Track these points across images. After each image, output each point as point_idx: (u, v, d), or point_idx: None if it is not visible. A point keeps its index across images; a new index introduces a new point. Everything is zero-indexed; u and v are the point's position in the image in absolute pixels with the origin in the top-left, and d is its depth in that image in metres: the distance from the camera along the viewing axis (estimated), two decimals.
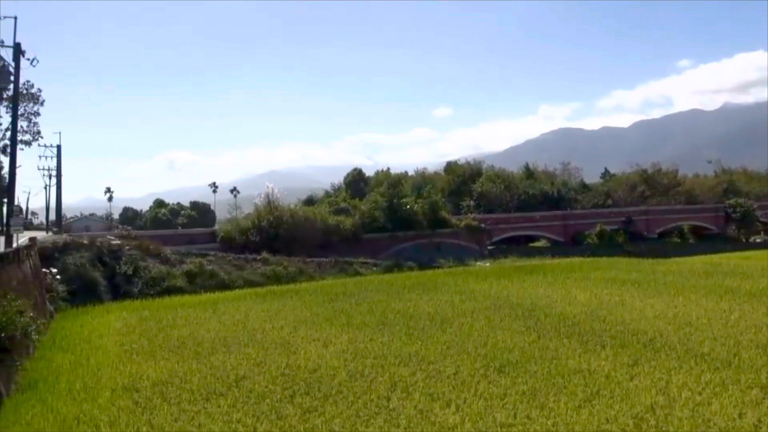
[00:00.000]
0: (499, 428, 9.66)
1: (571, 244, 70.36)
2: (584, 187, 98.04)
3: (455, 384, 12.19)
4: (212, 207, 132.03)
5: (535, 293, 25.48)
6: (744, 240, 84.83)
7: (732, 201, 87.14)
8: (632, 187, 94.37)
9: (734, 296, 22.88)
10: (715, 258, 51.57)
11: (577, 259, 46.61)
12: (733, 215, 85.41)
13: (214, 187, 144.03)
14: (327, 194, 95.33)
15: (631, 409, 10.25)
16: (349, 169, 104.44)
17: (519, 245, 68.87)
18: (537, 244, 75.58)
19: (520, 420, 9.97)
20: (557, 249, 64.37)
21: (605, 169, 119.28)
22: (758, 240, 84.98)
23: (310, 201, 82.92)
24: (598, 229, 73.90)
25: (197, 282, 34.72)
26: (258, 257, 40.87)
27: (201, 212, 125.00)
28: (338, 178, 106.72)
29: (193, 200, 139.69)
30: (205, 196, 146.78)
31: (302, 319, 21.12)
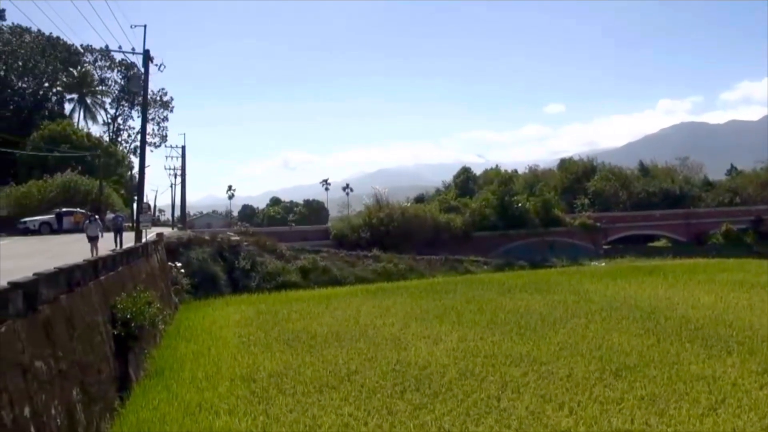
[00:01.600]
0: None
1: (695, 244, 66.86)
2: (708, 184, 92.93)
3: (568, 386, 11.89)
4: (325, 205, 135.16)
5: (654, 295, 24.45)
6: None
7: None
8: (763, 184, 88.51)
9: None
10: None
11: (701, 260, 44.36)
12: None
13: (326, 184, 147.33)
14: (437, 192, 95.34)
15: (760, 420, 9.64)
16: (459, 167, 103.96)
17: (637, 245, 66.15)
18: (656, 244, 72.38)
19: (637, 426, 9.61)
20: (679, 249, 61.31)
21: (731, 165, 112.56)
22: None
23: (420, 199, 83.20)
24: (724, 228, 69.86)
25: (311, 277, 35.66)
26: (369, 254, 41.47)
27: (314, 210, 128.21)
28: (448, 176, 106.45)
29: (306, 198, 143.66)
30: (319, 194, 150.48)
31: (412, 315, 21.26)
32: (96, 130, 68.35)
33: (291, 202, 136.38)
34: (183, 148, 56.98)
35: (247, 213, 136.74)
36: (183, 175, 57.60)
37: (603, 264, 45.75)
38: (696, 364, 13.18)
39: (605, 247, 61.91)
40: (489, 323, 19.13)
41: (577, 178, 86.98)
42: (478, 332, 17.62)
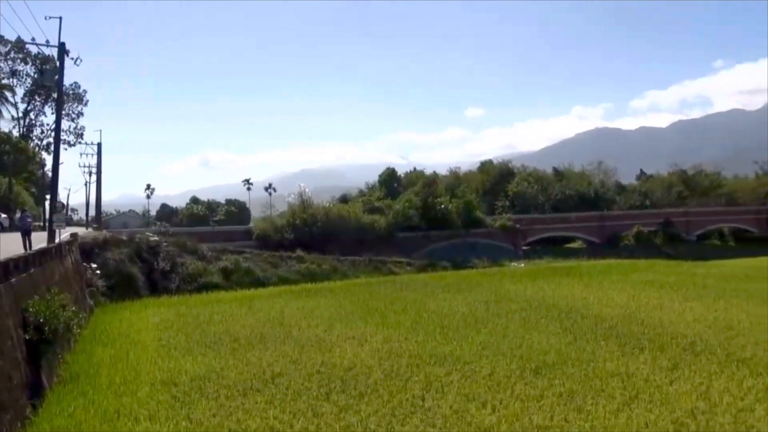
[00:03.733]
0: (536, 430, 9.61)
1: (608, 245, 69.44)
2: (620, 187, 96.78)
3: (491, 385, 12.14)
4: (247, 205, 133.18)
5: (571, 295, 25.24)
6: None
7: None
8: (669, 188, 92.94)
9: None
10: (757, 261, 50.44)
11: (614, 261, 46.08)
12: None
13: (248, 184, 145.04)
14: (361, 193, 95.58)
15: (671, 413, 10.10)
16: (382, 168, 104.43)
17: (554, 246, 68.29)
18: (572, 245, 74.90)
19: (557, 422, 9.90)
20: (593, 250, 63.54)
21: (641, 170, 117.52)
22: None
23: (344, 200, 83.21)
24: (635, 230, 72.98)
25: (233, 279, 35.13)
26: (293, 255, 41.19)
27: (236, 210, 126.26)
28: (372, 177, 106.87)
29: (228, 198, 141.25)
30: (240, 194, 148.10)
31: (337, 317, 21.23)
32: (3, 125, 65.39)
33: (212, 201, 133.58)
34: (99, 145, 55.11)
35: (166, 213, 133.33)
36: (99, 173, 55.72)
37: (522, 265, 46.91)
38: (611, 361, 13.70)
39: (524, 248, 63.56)
40: (413, 324, 19.30)
41: (497, 180, 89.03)
42: (402, 333, 17.76)
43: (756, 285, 27.53)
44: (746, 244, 78.77)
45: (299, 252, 42.13)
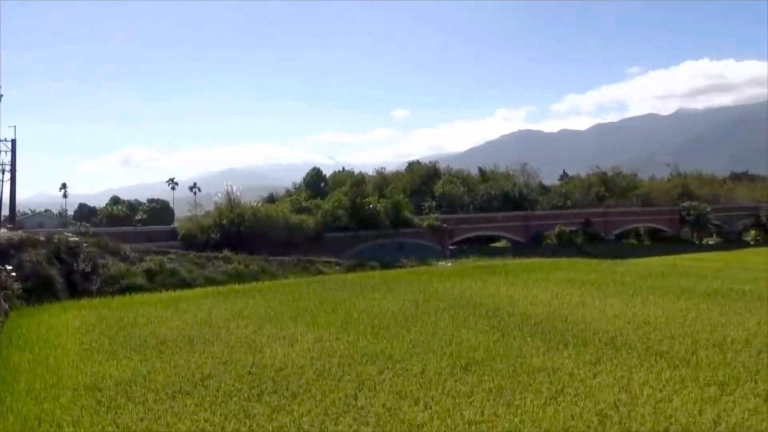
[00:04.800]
0: (467, 425, 9.76)
1: (531, 244, 71.27)
2: (543, 188, 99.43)
3: (422, 382, 12.28)
4: (171, 204, 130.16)
5: (497, 293, 25.76)
6: (697, 242, 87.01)
7: (686, 204, 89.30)
8: (589, 188, 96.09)
9: (690, 296, 23.49)
10: (671, 259, 52.87)
11: (537, 260, 47.25)
12: (687, 218, 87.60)
13: (172, 183, 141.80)
14: (288, 193, 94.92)
15: (595, 406, 10.46)
16: (309, 168, 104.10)
17: (480, 245, 69.59)
18: (498, 244, 76.45)
19: (487, 417, 10.11)
20: (518, 249, 65.11)
21: (563, 170, 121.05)
22: (711, 242, 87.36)
23: (271, 199, 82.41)
24: (557, 230, 75.13)
25: (157, 280, 34.26)
26: (220, 255, 40.51)
27: (159, 210, 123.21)
28: (299, 177, 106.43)
29: (150, 197, 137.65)
30: (164, 194, 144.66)
31: (266, 317, 21.01)
32: None
33: (134, 200, 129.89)
34: (13, 141, 52.91)
35: (85, 212, 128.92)
36: (13, 171, 53.47)
37: (449, 264, 47.54)
38: (537, 357, 14.06)
39: (451, 247, 64.54)
40: (343, 323, 19.30)
41: (424, 180, 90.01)
42: (333, 332, 17.73)
43: (670, 281, 28.82)
44: (661, 242, 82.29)
45: (226, 252, 41.43)
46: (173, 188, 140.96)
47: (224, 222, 49.48)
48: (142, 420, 10.56)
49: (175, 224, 62.73)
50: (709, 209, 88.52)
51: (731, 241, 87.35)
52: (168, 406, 11.30)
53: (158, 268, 35.38)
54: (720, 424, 9.51)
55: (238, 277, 37.17)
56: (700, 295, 23.93)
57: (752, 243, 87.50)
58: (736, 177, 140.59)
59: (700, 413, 10.01)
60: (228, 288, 31.78)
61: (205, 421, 10.39)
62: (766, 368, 12.67)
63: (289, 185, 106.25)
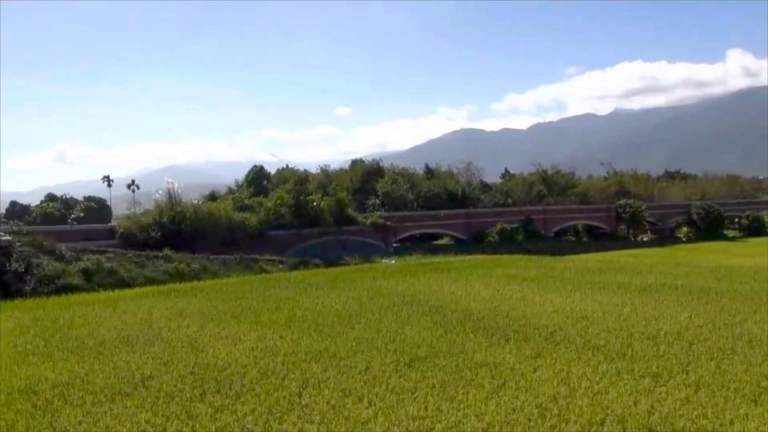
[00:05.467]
0: (411, 421, 9.87)
1: (474, 242, 72.16)
2: (485, 186, 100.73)
3: (367, 379, 12.34)
4: (108, 202, 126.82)
5: (440, 290, 26.00)
6: (633, 239, 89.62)
7: (622, 202, 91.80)
8: (530, 187, 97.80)
9: (626, 291, 24.19)
10: (607, 256, 54.42)
11: (479, 257, 47.94)
12: (623, 215, 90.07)
13: (108, 181, 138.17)
14: (230, 191, 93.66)
15: (535, 399, 10.71)
16: (251, 165, 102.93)
17: (423, 243, 70.07)
18: (441, 241, 77.10)
19: (431, 412, 10.24)
20: (460, 247, 65.88)
21: (505, 169, 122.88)
22: (645, 239, 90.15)
23: (212, 197, 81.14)
24: (498, 227, 76.18)
25: (95, 280, 33.42)
26: (160, 254, 39.74)
27: (96, 208, 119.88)
28: (241, 175, 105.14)
29: (87, 195, 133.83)
30: (100, 192, 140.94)
31: (209, 316, 20.73)
32: None
33: (69, 198, 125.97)
34: None
35: (17, 210, 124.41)
36: None
37: (393, 261, 47.78)
38: (479, 352, 14.29)
39: (395, 245, 64.82)
40: (287, 321, 19.21)
41: (367, 178, 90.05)
42: (277, 331, 17.64)
43: (607, 277, 29.62)
44: (598, 239, 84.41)
45: (167, 251, 40.68)
46: (109, 186, 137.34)
47: (164, 220, 48.44)
48: (80, 423, 10.31)
49: (113, 223, 61.24)
50: (643, 207, 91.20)
51: (664, 237, 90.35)
52: (107, 408, 11.06)
53: (96, 267, 34.51)
54: (653, 414, 9.86)
55: (179, 277, 36.55)
56: (635, 289, 24.68)
57: (684, 239, 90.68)
58: (670, 176, 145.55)
59: (634, 404, 10.36)
60: (169, 287, 31.21)
61: (147, 422, 10.22)
62: (697, 359, 13.18)
63: (231, 183, 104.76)
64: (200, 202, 58.95)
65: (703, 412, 9.89)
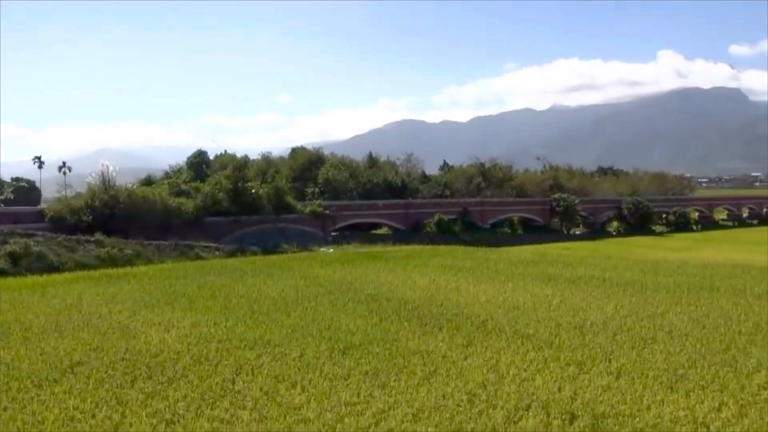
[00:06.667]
0: (343, 407, 10.01)
1: (412, 232, 72.57)
2: (425, 177, 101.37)
3: (300, 366, 12.43)
4: (37, 184, 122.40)
5: (377, 279, 26.25)
6: (566, 232, 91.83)
7: (556, 196, 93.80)
8: (469, 179, 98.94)
9: (556, 283, 24.94)
10: (541, 248, 55.70)
11: (417, 247, 48.38)
12: (557, 209, 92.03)
13: (39, 162, 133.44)
14: (167, 175, 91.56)
15: (465, 385, 11.01)
16: (191, 151, 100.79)
17: (362, 232, 70.08)
18: (379, 231, 77.23)
19: (363, 398, 10.41)
20: (398, 236, 66.13)
21: (444, 161, 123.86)
22: (577, 232, 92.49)
23: (148, 181, 79.09)
24: (436, 218, 76.70)
25: (22, 264, 32.34)
26: (91, 239, 38.65)
27: (25, 190, 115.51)
28: (180, 160, 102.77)
29: (15, 176, 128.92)
30: (30, 174, 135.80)
31: (141, 303, 20.42)
32: None
33: None
34: None
35: None
36: None
37: (331, 250, 47.80)
38: (412, 340, 14.56)
39: (333, 234, 64.69)
40: (222, 308, 19.12)
41: (307, 166, 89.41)
42: (211, 317, 17.54)
43: (539, 269, 30.44)
44: (532, 232, 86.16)
45: (99, 235, 39.56)
46: (40, 167, 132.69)
47: (97, 204, 47.00)
48: (5, 409, 10.08)
49: (43, 206, 59.16)
50: (577, 201, 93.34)
51: (596, 231, 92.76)
52: (34, 394, 10.84)
53: (23, 251, 33.37)
54: (576, 399, 10.28)
55: (112, 262, 35.67)
56: (565, 281, 25.47)
57: (614, 233, 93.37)
58: (603, 171, 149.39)
59: (559, 390, 10.77)
60: (100, 272, 30.51)
61: (75, 408, 10.06)
62: (620, 348, 13.76)
63: (168, 168, 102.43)
64: (135, 186, 57.51)
65: (623, 398, 10.36)
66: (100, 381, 11.51)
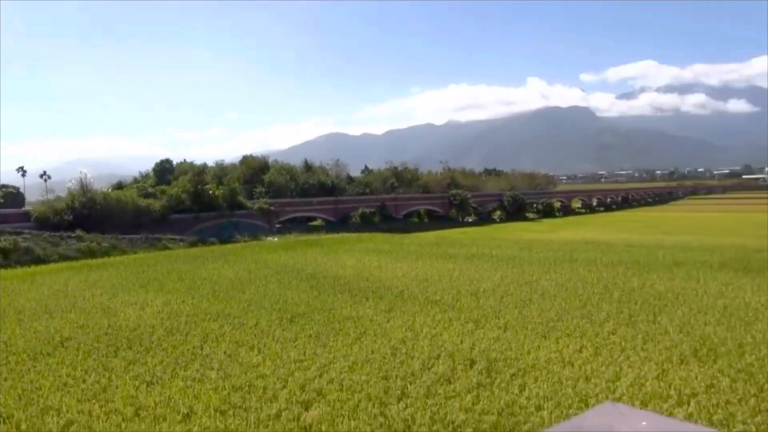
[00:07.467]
0: (293, 364, 9.99)
1: (341, 223, 72.51)
2: (350, 179, 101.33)
3: (256, 333, 12.30)
4: (21, 190, 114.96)
5: (315, 261, 26.13)
6: (461, 220, 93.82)
7: (453, 192, 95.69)
8: (385, 180, 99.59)
9: (455, 259, 25.46)
10: (442, 233, 56.75)
11: (345, 235, 48.42)
12: (454, 202, 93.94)
13: (22, 171, 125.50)
14: (135, 180, 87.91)
15: (389, 342, 11.16)
16: (154, 161, 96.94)
17: (301, 224, 69.53)
18: (314, 223, 76.81)
19: (308, 356, 10.41)
20: (330, 227, 65.96)
21: (365, 165, 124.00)
22: (470, 220, 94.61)
23: (119, 186, 75.77)
24: (360, 211, 77.01)
25: (12, 258, 30.45)
26: (72, 234, 36.78)
27: (12, 195, 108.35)
28: (144, 169, 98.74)
29: (1, 183, 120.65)
30: (12, 182, 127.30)
31: (119, 286, 19.63)
32: None
33: None
34: None
35: None
36: None
37: (276, 239, 47.17)
38: (345, 309, 14.61)
39: (277, 226, 63.86)
40: (188, 289, 18.61)
41: (256, 171, 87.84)
42: (179, 297, 17.06)
43: (442, 249, 31.01)
44: (435, 220, 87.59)
45: (79, 232, 37.69)
46: (24, 175, 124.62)
47: (77, 205, 44.71)
48: (6, 380, 9.54)
49: (28, 207, 55.75)
50: (469, 195, 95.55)
51: (484, 219, 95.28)
52: (30, 366, 10.30)
53: (12, 246, 31.44)
54: (474, 349, 10.60)
55: (91, 254, 34.09)
56: (462, 258, 26.04)
57: (498, 220, 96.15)
58: (488, 172, 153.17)
59: (461, 342, 11.07)
60: (82, 263, 29.11)
61: (68, 376, 9.63)
62: (506, 308, 14.23)
63: (136, 174, 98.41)
64: (109, 190, 54.98)
65: (509, 345, 10.76)
66: (88, 352, 11.05)
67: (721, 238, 43.72)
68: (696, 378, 8.61)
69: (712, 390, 8.10)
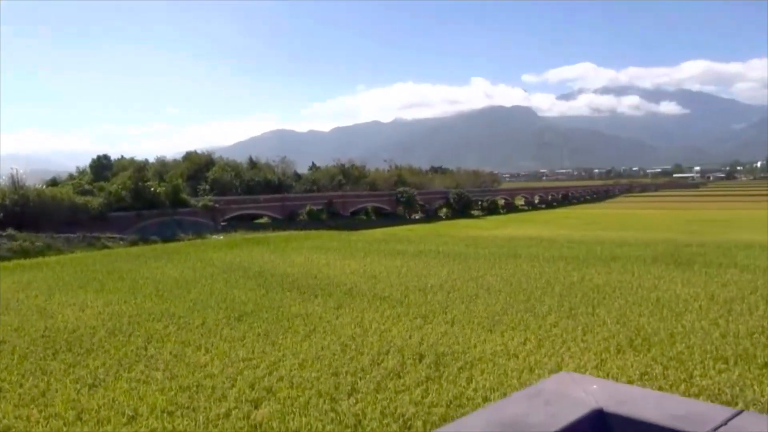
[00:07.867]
0: (241, 362, 9.87)
1: (288, 220, 71.91)
2: (297, 176, 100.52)
3: (203, 332, 12.06)
4: None
5: (261, 259, 25.74)
6: (408, 217, 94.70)
7: (400, 189, 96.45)
8: (332, 177, 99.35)
9: (403, 256, 25.60)
10: (390, 230, 57.11)
11: (292, 232, 47.88)
12: (401, 199, 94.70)
13: None
14: (71, 177, 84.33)
15: (338, 339, 11.18)
16: (91, 157, 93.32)
17: (246, 222, 68.45)
18: (261, 220, 75.81)
19: (257, 354, 10.31)
20: (277, 224, 65.23)
21: (312, 162, 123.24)
22: (417, 217, 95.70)
23: (54, 183, 72.52)
24: (307, 209, 76.67)
25: None
26: (3, 233, 34.99)
27: None
28: (80, 164, 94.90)
29: None
30: None
31: (56, 287, 18.79)
32: None
33: None
34: None
35: None
36: None
37: (221, 237, 46.27)
38: (294, 306, 14.51)
39: (222, 223, 62.76)
40: (130, 289, 18.01)
41: (199, 168, 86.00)
42: (121, 297, 16.49)
43: (390, 246, 31.13)
44: (383, 217, 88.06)
45: (10, 230, 35.90)
46: None
47: (8, 203, 42.58)
48: None
49: None
50: (416, 193, 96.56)
51: (430, 216, 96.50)
52: None
53: None
54: (423, 343, 10.76)
55: (24, 253, 32.41)
56: (410, 255, 26.22)
57: (444, 217, 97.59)
58: (434, 170, 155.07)
59: (410, 337, 11.21)
60: (14, 263, 27.65)
61: (3, 380, 9.19)
62: (453, 303, 14.46)
63: (72, 170, 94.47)
64: (43, 187, 52.54)
65: (457, 339, 10.98)
66: (24, 356, 10.57)
67: (654, 233, 45.83)
68: (632, 366, 9.05)
69: (646, 377, 8.54)
